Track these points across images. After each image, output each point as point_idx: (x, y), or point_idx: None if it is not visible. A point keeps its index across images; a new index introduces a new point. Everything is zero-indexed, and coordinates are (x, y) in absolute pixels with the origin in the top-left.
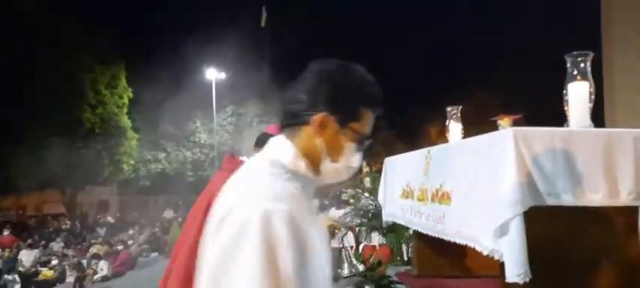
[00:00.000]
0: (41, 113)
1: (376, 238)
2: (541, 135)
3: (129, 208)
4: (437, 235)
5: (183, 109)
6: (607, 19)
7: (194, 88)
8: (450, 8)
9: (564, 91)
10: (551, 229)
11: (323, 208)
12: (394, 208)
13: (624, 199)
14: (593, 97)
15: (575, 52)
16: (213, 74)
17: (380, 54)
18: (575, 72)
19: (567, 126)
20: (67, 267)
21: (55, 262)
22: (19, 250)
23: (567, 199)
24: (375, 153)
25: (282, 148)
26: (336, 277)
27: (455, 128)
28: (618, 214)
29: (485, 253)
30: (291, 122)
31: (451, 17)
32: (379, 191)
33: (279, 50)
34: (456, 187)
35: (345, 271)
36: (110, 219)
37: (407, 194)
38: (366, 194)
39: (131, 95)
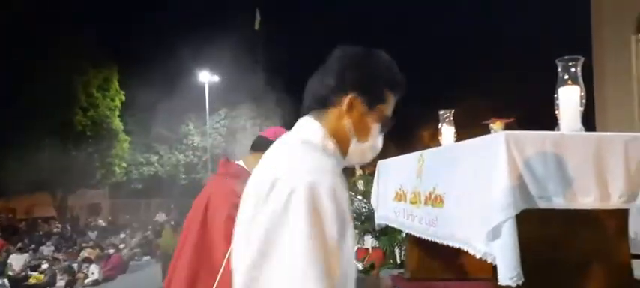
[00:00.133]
0: (32, 116)
1: (369, 241)
2: (532, 139)
3: (121, 211)
4: (430, 238)
5: (176, 111)
6: (597, 25)
7: (187, 91)
8: (441, 12)
9: (555, 96)
10: (543, 231)
11: None
12: (387, 211)
13: (615, 202)
14: (583, 101)
15: (565, 57)
16: (206, 77)
17: None
18: (566, 76)
19: (558, 130)
20: (57, 271)
21: (45, 266)
22: (8, 254)
23: (559, 202)
24: None
25: (311, 129)
26: None
27: (447, 132)
28: (609, 217)
29: (478, 256)
30: (318, 105)
31: (443, 22)
32: (372, 194)
33: (273, 53)
34: (448, 190)
35: None
36: (102, 222)
37: (400, 197)
38: (359, 197)
39: (123, 98)
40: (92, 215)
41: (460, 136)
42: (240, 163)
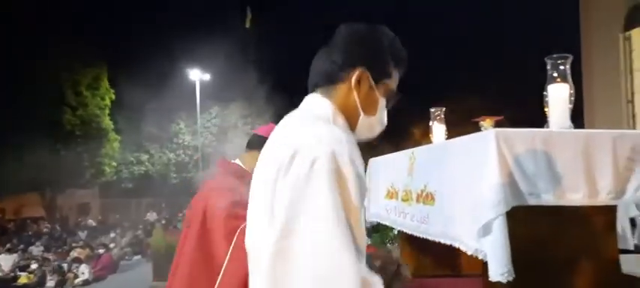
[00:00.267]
0: (20, 115)
1: None
2: (522, 136)
3: (111, 210)
4: (421, 236)
5: (167, 110)
6: (586, 23)
7: (178, 90)
8: (433, 11)
9: (545, 93)
10: (533, 228)
11: None
12: (379, 208)
13: (603, 198)
14: (572, 98)
15: (555, 55)
16: (197, 75)
17: None
18: (555, 74)
19: (548, 127)
20: (47, 271)
21: (34, 266)
22: None
23: (548, 199)
24: None
25: (321, 105)
26: None
27: (438, 129)
28: (597, 213)
29: (469, 252)
30: (325, 82)
31: (434, 21)
32: None
33: (264, 51)
34: (439, 187)
35: None
36: (91, 222)
37: (391, 195)
38: None
39: (113, 97)
40: (82, 215)
41: (451, 133)
42: (238, 161)
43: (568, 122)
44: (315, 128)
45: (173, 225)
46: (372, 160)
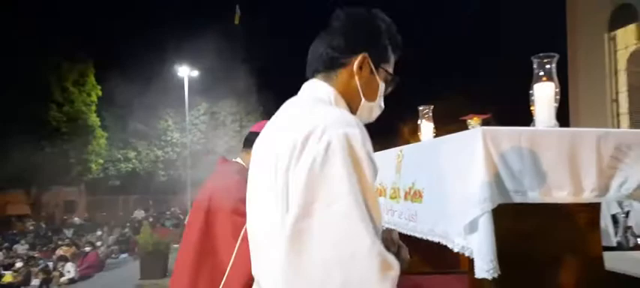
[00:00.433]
0: (4, 111)
1: None
2: (508, 134)
3: (97, 208)
4: (409, 233)
5: (155, 107)
6: (572, 23)
7: (166, 86)
8: (421, 11)
9: (531, 92)
10: (518, 225)
11: None
12: None
13: (587, 196)
14: (558, 97)
15: (541, 54)
16: (185, 72)
17: None
18: (542, 73)
19: (534, 125)
20: (32, 270)
21: (19, 264)
22: None
23: (534, 197)
24: None
25: (323, 90)
26: None
27: (426, 127)
28: (582, 210)
29: (456, 250)
30: (325, 68)
31: (423, 20)
32: None
33: (253, 48)
34: (427, 185)
35: None
36: (77, 220)
37: (379, 192)
38: None
39: (100, 93)
40: (68, 212)
41: (439, 131)
42: (238, 160)
43: (554, 121)
44: (324, 111)
45: (161, 223)
46: None
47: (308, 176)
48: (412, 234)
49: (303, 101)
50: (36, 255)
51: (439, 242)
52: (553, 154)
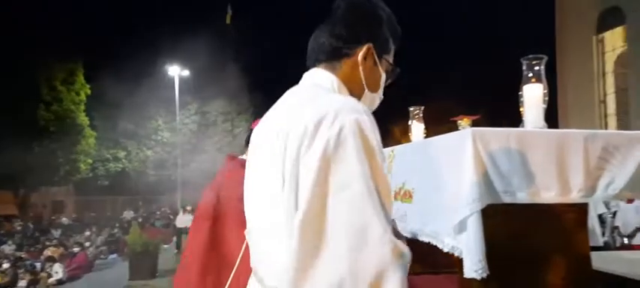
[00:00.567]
0: None
1: None
2: (497, 135)
3: (86, 208)
4: None
5: (145, 106)
6: (561, 25)
7: (156, 85)
8: (412, 11)
9: (520, 93)
10: (507, 225)
11: None
12: None
13: (575, 196)
14: (546, 98)
15: (530, 56)
16: (176, 71)
17: None
18: (531, 74)
19: (523, 126)
20: (19, 271)
21: (6, 265)
22: None
23: (522, 197)
24: None
25: (326, 79)
26: None
27: (417, 128)
28: (570, 210)
29: (445, 250)
30: (328, 58)
31: (413, 21)
32: None
33: (245, 47)
34: (417, 185)
35: None
36: (66, 220)
37: None
38: None
39: (89, 92)
40: (56, 213)
41: (429, 132)
42: (244, 157)
43: (542, 122)
44: (333, 98)
45: (150, 223)
46: None
47: (320, 162)
48: (402, 234)
49: (307, 89)
50: (23, 256)
51: (429, 242)
52: (541, 154)
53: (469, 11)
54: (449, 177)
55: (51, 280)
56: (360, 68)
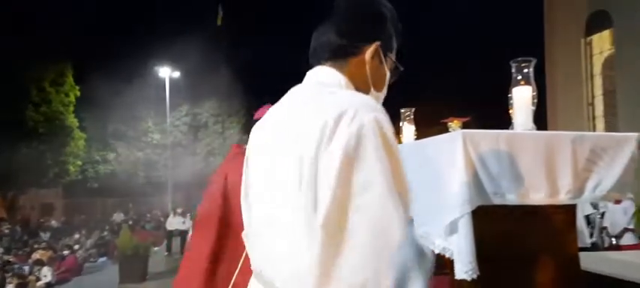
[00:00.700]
0: None
1: None
2: (487, 137)
3: (75, 211)
4: None
5: (135, 107)
6: (549, 28)
7: (146, 87)
8: (402, 13)
9: (509, 95)
10: (497, 227)
11: None
12: None
13: (563, 197)
14: (535, 100)
15: (519, 58)
16: (166, 72)
17: None
18: (520, 77)
19: (512, 128)
20: (6, 275)
21: None
22: None
23: (512, 199)
24: None
25: (334, 77)
26: None
27: (408, 130)
28: (558, 211)
29: (436, 251)
30: (334, 56)
31: (404, 24)
32: None
33: (236, 49)
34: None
35: None
36: (55, 223)
37: None
38: None
39: (78, 93)
40: (45, 215)
41: (420, 134)
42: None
43: (531, 124)
44: (349, 95)
45: (141, 226)
46: None
47: (341, 161)
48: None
49: (315, 87)
50: (11, 259)
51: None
52: (530, 156)
53: (459, 14)
54: (440, 179)
55: (39, 283)
56: (367, 67)
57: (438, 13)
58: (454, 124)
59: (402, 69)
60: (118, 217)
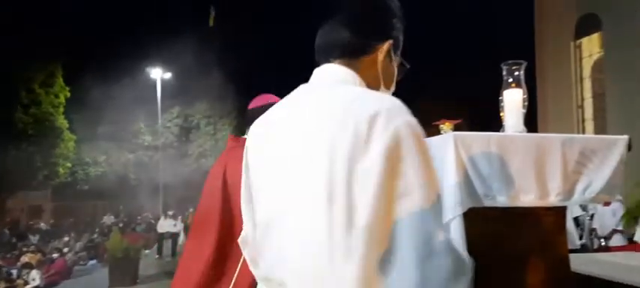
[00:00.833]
0: None
1: None
2: (478, 139)
3: (65, 213)
4: None
5: (126, 109)
6: (540, 31)
7: (138, 88)
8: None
9: (500, 98)
10: (488, 228)
11: None
12: None
13: (553, 199)
14: (526, 103)
15: (510, 61)
16: (158, 73)
17: None
18: (510, 79)
19: (503, 131)
20: None
21: None
22: None
23: (502, 201)
24: None
25: (347, 75)
26: None
27: None
28: (549, 213)
29: None
30: (345, 54)
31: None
32: None
33: (228, 50)
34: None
35: None
36: (44, 226)
37: None
38: None
39: (68, 94)
40: (33, 218)
41: None
42: (246, 137)
43: (521, 126)
44: (375, 96)
45: (131, 228)
46: None
47: (380, 167)
48: None
49: (331, 86)
50: None
51: None
52: (521, 158)
53: (449, 17)
54: None
55: (28, 287)
56: (379, 65)
57: (427, 17)
58: (446, 126)
59: (408, 66)
60: (108, 219)
